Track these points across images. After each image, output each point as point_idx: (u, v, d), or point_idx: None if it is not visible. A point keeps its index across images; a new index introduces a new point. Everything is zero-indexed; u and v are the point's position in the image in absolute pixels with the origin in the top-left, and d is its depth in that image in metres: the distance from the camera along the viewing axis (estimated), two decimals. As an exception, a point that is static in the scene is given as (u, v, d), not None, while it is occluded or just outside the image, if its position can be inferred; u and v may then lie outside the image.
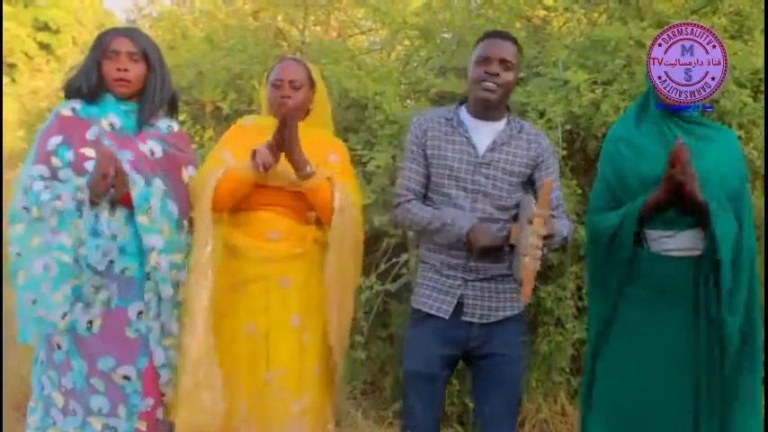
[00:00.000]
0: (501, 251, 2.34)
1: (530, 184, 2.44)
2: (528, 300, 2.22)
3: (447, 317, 2.39)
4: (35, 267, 2.29)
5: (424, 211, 2.39)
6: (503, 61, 2.35)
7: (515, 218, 2.35)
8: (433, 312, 2.41)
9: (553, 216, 2.35)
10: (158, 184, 2.41)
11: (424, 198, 2.46)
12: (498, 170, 2.38)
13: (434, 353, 2.41)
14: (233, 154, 2.49)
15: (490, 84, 2.35)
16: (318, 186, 2.44)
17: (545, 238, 2.16)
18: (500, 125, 2.43)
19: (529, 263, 2.15)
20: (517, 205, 2.38)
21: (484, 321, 2.40)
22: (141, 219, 2.36)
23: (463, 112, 2.47)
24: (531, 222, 2.16)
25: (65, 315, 2.31)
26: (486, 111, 2.41)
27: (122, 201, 2.36)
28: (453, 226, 2.31)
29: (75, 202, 2.29)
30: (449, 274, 2.41)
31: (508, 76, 2.36)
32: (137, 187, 2.35)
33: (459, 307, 2.39)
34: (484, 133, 2.41)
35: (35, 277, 2.29)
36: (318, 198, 2.46)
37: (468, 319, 2.39)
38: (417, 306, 2.46)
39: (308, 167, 2.40)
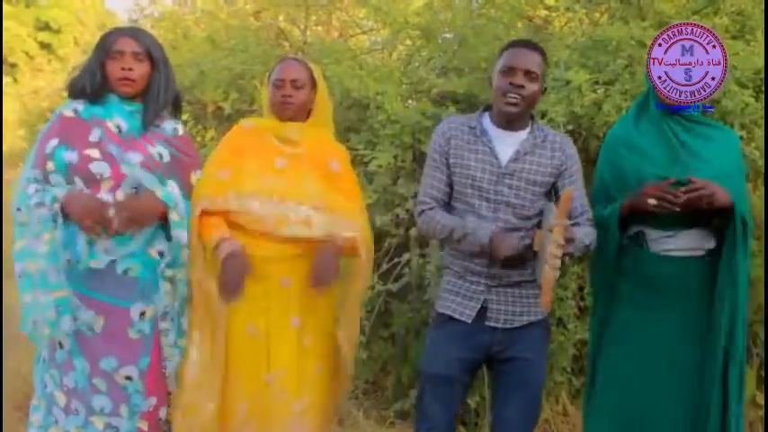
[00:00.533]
0: (523, 261, 2.31)
1: (554, 191, 2.41)
2: (547, 308, 2.22)
3: (470, 321, 2.38)
4: (22, 269, 2.31)
5: (446, 219, 2.37)
6: (528, 72, 2.31)
7: (539, 224, 2.33)
8: (456, 316, 2.40)
9: (577, 223, 2.34)
10: (173, 183, 2.43)
11: (448, 206, 2.44)
12: (521, 180, 2.36)
13: (455, 356, 2.39)
14: (232, 171, 2.48)
15: (513, 97, 2.31)
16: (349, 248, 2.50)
17: (566, 243, 2.14)
18: (523, 134, 2.40)
19: (548, 272, 2.14)
20: (540, 213, 2.36)
21: (507, 326, 2.38)
22: (173, 215, 2.38)
23: (486, 121, 2.44)
24: (551, 231, 2.15)
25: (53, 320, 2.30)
26: (511, 121, 2.38)
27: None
28: (474, 236, 2.29)
29: (52, 213, 2.29)
30: (472, 280, 2.40)
31: (533, 87, 2.32)
32: (157, 188, 2.37)
33: (483, 312, 2.38)
34: (507, 143, 2.38)
35: (24, 279, 2.31)
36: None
37: (492, 324, 2.38)
38: (441, 310, 2.45)
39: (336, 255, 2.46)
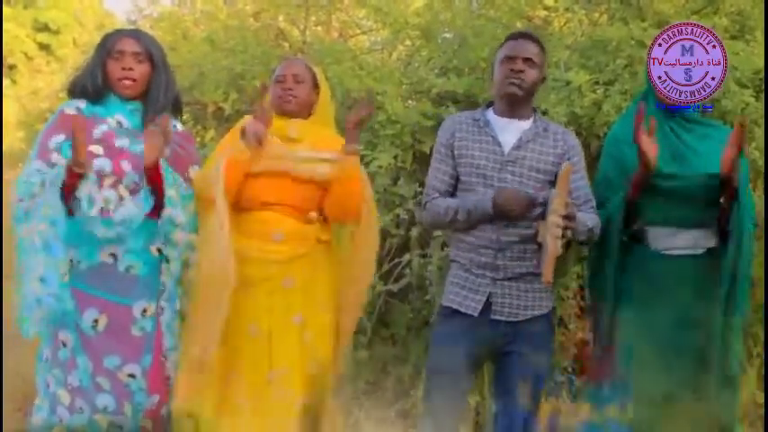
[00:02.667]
0: (534, 206, 2.33)
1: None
2: (549, 280, 2.24)
3: (476, 314, 2.40)
4: (26, 261, 2.28)
5: (449, 202, 2.44)
6: (527, 60, 2.40)
7: (543, 216, 2.34)
8: (462, 310, 2.42)
9: (580, 210, 2.37)
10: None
11: (453, 197, 2.48)
12: (525, 168, 2.41)
13: (460, 350, 2.41)
14: None
15: (516, 79, 2.39)
16: (355, 174, 2.50)
17: (567, 219, 2.18)
18: (526, 124, 2.46)
19: (551, 243, 2.16)
20: (544, 203, 2.37)
21: (512, 320, 2.41)
22: (170, 192, 2.39)
23: (490, 113, 2.51)
24: (553, 202, 2.18)
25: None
26: (513, 107, 2.45)
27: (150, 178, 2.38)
28: (477, 209, 2.35)
29: (59, 175, 2.29)
30: (478, 273, 2.42)
31: (533, 74, 2.42)
32: (162, 164, 2.39)
33: (488, 305, 2.41)
34: (510, 132, 2.44)
35: (27, 267, 2.28)
36: (348, 187, 2.50)
37: (496, 317, 2.40)
38: (447, 303, 2.48)
39: (356, 144, 2.47)
